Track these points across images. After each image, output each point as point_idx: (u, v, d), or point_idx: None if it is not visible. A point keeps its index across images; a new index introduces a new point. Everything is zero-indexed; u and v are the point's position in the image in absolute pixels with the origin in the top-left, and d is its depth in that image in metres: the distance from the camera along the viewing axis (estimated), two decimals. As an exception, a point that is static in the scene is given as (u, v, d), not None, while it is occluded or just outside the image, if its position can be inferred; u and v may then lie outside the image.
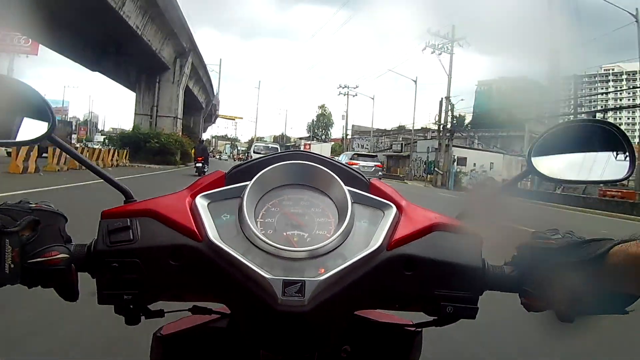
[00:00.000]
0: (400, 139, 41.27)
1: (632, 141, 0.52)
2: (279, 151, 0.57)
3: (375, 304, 0.51)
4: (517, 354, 2.17)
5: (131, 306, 0.46)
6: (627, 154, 0.52)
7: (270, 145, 20.75)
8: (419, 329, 0.56)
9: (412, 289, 0.46)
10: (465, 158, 27.29)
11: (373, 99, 43.27)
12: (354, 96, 45.42)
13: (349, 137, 49.76)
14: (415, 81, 32.34)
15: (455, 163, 25.22)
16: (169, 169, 18.67)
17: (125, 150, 20.09)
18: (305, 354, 0.46)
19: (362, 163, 20.54)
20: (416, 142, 34.48)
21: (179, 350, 0.55)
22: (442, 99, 24.98)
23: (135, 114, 24.20)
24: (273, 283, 0.41)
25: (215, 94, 38.75)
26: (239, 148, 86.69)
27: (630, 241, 0.39)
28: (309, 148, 55.12)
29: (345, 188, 0.49)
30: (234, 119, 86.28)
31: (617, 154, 0.53)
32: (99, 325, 2.00)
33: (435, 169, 26.00)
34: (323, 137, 69.66)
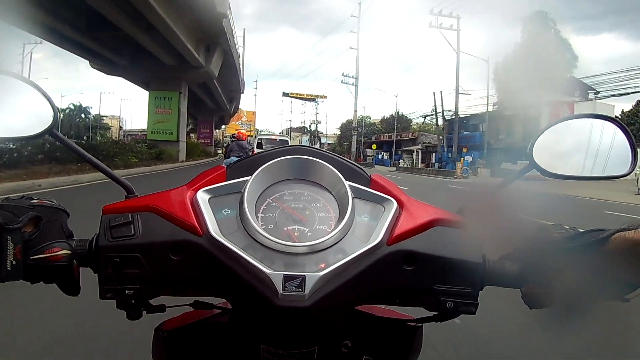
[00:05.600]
0: None
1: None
2: (288, 144, 0.56)
3: (376, 299, 0.51)
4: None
5: (133, 301, 0.47)
6: (630, 149, 0.52)
7: (279, 139, 19.63)
8: (419, 324, 0.57)
9: (412, 284, 0.46)
10: None
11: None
12: None
13: None
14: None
15: None
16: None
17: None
18: (305, 348, 0.46)
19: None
20: None
21: (180, 345, 0.55)
22: None
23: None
24: (273, 278, 0.41)
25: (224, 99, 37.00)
26: (322, 141, 57.77)
27: (631, 229, 0.39)
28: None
29: (346, 183, 0.49)
30: (313, 98, 59.80)
31: (619, 149, 0.52)
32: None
33: None
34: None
